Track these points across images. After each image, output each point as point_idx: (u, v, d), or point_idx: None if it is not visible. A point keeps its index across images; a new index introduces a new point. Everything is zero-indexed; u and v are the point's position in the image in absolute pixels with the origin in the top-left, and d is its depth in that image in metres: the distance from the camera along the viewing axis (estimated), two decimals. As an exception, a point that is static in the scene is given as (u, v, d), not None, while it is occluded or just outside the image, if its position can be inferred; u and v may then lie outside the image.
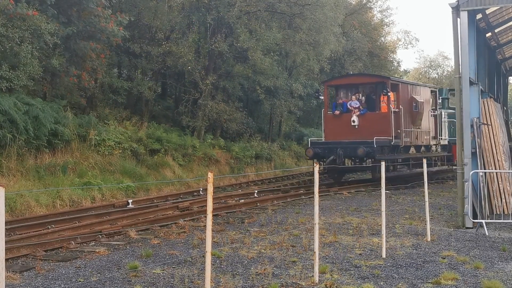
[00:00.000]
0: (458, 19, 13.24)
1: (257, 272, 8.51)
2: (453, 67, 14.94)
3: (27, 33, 17.16)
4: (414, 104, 23.30)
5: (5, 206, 4.93)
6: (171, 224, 12.78)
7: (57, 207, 15.13)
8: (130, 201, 16.00)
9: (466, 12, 13.20)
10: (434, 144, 25.82)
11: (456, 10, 13.26)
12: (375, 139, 20.52)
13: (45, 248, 10.04)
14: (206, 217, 6.71)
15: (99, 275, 8.43)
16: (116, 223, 12.61)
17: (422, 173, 22.51)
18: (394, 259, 9.50)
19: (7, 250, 8.51)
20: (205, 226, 6.97)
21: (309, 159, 22.82)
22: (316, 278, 8.01)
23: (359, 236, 11.63)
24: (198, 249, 10.13)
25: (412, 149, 23.98)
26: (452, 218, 14.19)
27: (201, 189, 19.23)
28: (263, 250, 10.10)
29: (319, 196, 8.36)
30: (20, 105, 16.88)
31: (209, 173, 6.71)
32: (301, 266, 8.96)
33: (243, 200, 16.59)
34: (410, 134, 23.11)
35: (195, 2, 27.18)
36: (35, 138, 17.06)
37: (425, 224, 11.63)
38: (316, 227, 8.22)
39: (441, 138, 26.52)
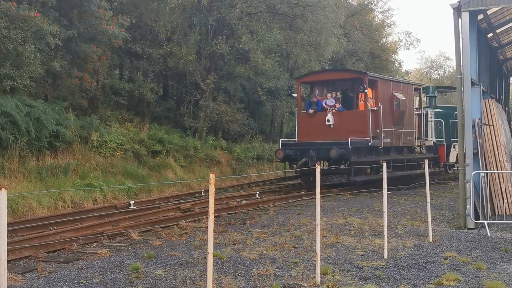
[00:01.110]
0: (460, 20, 13.24)
1: (259, 273, 8.51)
2: (455, 67, 14.93)
3: (29, 33, 17.19)
4: (395, 102, 21.83)
5: (7, 208, 4.94)
6: (173, 225, 12.79)
7: (59, 209, 15.14)
8: (132, 202, 16.02)
9: (468, 12, 13.19)
10: (418, 145, 24.27)
11: (457, 10, 13.26)
12: (350, 139, 19.15)
13: (47, 250, 10.05)
14: (208, 218, 6.71)
15: (101, 276, 8.43)
16: (118, 224, 12.62)
17: (404, 176, 22.57)
18: (396, 260, 9.50)
19: (9, 251, 8.51)
20: (207, 227, 6.97)
21: (279, 161, 21.60)
22: (318, 279, 8.01)
23: (361, 237, 11.62)
24: (200, 250, 10.13)
25: (394, 151, 22.36)
26: (454, 219, 14.18)
27: (203, 190, 19.24)
28: (265, 251, 10.10)
29: (321, 197, 8.35)
30: (22, 107, 16.90)
31: (211, 175, 6.72)
32: (303, 267, 8.96)
33: (244, 201, 16.60)
34: (391, 134, 21.58)
35: (196, 4, 27.21)
36: (36, 139, 17.09)
37: (427, 225, 11.62)
38: (318, 228, 8.22)
39: (426, 139, 25.06)
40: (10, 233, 10.94)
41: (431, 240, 11.24)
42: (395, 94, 21.91)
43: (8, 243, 5.72)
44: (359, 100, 20.73)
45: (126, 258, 9.61)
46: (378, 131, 20.51)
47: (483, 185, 13.63)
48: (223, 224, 13.13)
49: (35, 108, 17.43)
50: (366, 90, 20.05)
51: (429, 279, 8.26)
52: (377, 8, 44.48)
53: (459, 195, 13.61)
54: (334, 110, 20.71)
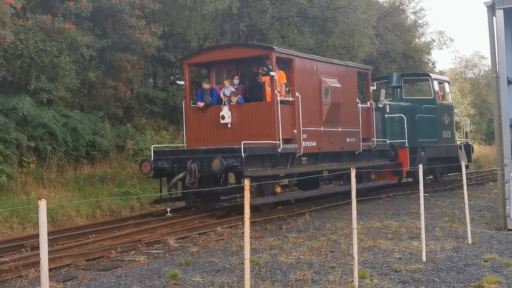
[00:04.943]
0: (494, 18, 13.06)
1: (296, 278, 8.50)
2: (490, 66, 14.72)
3: (64, 45, 17.51)
4: (324, 91, 16.21)
5: (47, 217, 5.04)
6: (209, 231, 12.85)
7: (97, 217, 15.36)
8: (168, 209, 16.09)
9: (502, 10, 12.99)
10: (366, 150, 18.42)
11: (491, 8, 13.08)
12: (244, 144, 13.75)
13: (87, 258, 10.19)
14: (244, 224, 6.74)
15: (139, 283, 8.52)
16: (155, 231, 12.73)
17: (340, 193, 17.32)
18: (434, 263, 9.39)
19: (50, 260, 8.66)
20: (243, 233, 7.00)
21: (147, 177, 15.72)
22: (356, 283, 7.97)
23: (398, 240, 11.52)
24: (236, 256, 10.16)
25: (326, 159, 16.78)
26: (493, 220, 13.96)
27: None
28: (301, 256, 10.08)
29: (357, 200, 8.32)
30: (58, 118, 17.22)
31: (246, 181, 6.75)
32: (340, 271, 8.92)
33: (280, 206, 16.57)
34: (319, 136, 16.09)
35: (227, 11, 27.35)
36: (74, 149, 17.38)
37: (466, 227, 11.47)
38: (355, 232, 8.18)
39: (377, 140, 19.04)
40: (51, 242, 11.13)
41: (470, 242, 11.09)
42: (325, 79, 16.33)
43: (49, 252, 5.83)
44: (267, 87, 15.06)
45: (164, 265, 9.69)
46: (295, 131, 15.18)
47: (523, 185, 13.38)
48: (259, 230, 13.15)
49: (72, 118, 17.73)
50: (272, 73, 14.39)
51: (469, 282, 8.15)
52: (408, 8, 44.04)
53: (498, 195, 13.40)
54: (231, 103, 15.24)
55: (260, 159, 14.50)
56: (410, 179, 22.54)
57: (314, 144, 15.92)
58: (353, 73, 18.14)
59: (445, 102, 23.70)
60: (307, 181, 16.18)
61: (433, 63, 48.72)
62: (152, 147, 15.65)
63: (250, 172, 13.85)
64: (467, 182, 12.77)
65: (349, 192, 17.08)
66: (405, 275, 8.60)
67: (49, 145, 16.43)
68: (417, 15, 45.05)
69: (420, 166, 10.09)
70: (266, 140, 14.57)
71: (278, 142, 14.58)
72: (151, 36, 20.54)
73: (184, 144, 16.21)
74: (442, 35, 47.25)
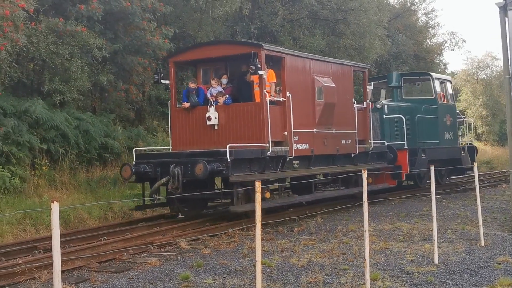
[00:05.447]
0: (506, 19, 13.00)
1: (308, 281, 8.50)
2: (502, 67, 14.65)
3: (76, 48, 17.62)
4: (317, 90, 15.45)
5: (60, 219, 5.07)
6: (220, 233, 12.86)
7: (109, 219, 15.41)
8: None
9: (514, 11, 12.96)
10: (363, 152, 17.61)
11: (503, 9, 13.02)
12: (230, 147, 12.95)
13: (99, 260, 10.24)
14: (255, 226, 6.74)
15: (151, 286, 8.55)
16: (167, 233, 12.76)
17: (336, 198, 16.86)
18: (447, 265, 9.35)
19: (63, 262, 8.70)
20: (254, 235, 7.01)
21: (129, 182, 14.82)
22: (368, 286, 7.95)
23: (410, 242, 11.48)
24: (248, 258, 10.17)
25: (319, 162, 15.91)
26: (506, 222, 13.87)
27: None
28: (313, 258, 10.07)
29: (368, 202, 8.30)
30: (71, 120, 17.32)
31: (257, 183, 6.76)
32: (352, 273, 8.91)
33: (292, 208, 16.56)
34: (311, 137, 15.35)
35: (238, 13, 27.39)
36: (86, 152, 17.47)
37: (478, 229, 11.41)
38: (366, 234, 8.16)
39: (375, 142, 18.41)
40: (63, 244, 11.18)
41: (483, 244, 11.03)
42: (318, 78, 15.59)
43: (62, 254, 5.86)
44: (256, 86, 14.25)
45: (176, 267, 9.71)
46: (285, 133, 14.46)
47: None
48: (270, 232, 13.15)
49: (84, 121, 17.83)
50: (261, 72, 13.60)
51: (482, 285, 8.11)
52: (420, 9, 43.92)
53: (510, 197, 13.32)
54: (218, 104, 14.45)
55: (248, 163, 13.66)
56: (411, 183, 21.82)
57: (307, 146, 15.16)
58: (348, 72, 17.34)
59: (446, 102, 22.65)
60: (302, 185, 15.63)
61: (445, 64, 48.56)
62: (134, 150, 14.82)
63: (236, 177, 13.10)
64: (479, 184, 12.71)
65: (345, 196, 17.24)
66: (417, 278, 8.57)
67: (61, 148, 16.52)
68: (429, 16, 44.94)
69: (432, 168, 10.06)
70: (255, 143, 13.77)
71: (267, 145, 13.75)
72: (162, 38, 20.61)
73: (169, 147, 15.40)
74: (454, 36, 47.09)
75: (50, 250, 9.51)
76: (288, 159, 14.46)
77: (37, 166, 15.79)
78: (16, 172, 14.82)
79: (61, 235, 9.56)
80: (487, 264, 9.38)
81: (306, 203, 16.82)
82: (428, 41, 44.43)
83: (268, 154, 13.70)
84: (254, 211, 13.92)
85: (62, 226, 13.52)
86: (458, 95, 51.74)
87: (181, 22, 25.49)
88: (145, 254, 10.97)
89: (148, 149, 17.20)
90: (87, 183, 16.96)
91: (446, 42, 46.63)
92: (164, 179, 13.45)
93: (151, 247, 11.35)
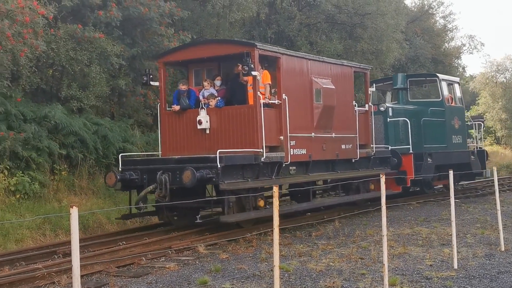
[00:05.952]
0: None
1: (326, 285, 8.48)
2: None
3: (95, 54, 17.76)
4: (315, 92, 14.64)
5: (79, 224, 5.11)
6: (238, 238, 12.86)
7: (127, 224, 15.48)
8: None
9: (533, 13, 12.80)
10: (364, 157, 16.75)
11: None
12: (220, 153, 12.10)
13: (118, 265, 10.29)
14: (273, 231, 6.74)
15: (170, 290, 8.57)
16: (185, 238, 12.79)
17: (337, 205, 16.36)
18: (466, 270, 9.28)
19: (82, 267, 8.75)
20: (272, 240, 7.00)
21: (114, 189, 14.22)
22: (386, 291, 7.92)
23: (429, 246, 11.41)
24: (266, 263, 10.17)
25: (317, 167, 15.12)
26: (526, 226, 13.74)
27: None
28: (331, 263, 10.04)
29: (387, 207, 8.26)
30: (89, 125, 17.45)
31: (274, 188, 6.76)
32: (371, 278, 8.87)
33: (309, 213, 16.52)
34: (309, 142, 14.53)
35: (255, 17, 27.44)
36: (104, 157, 17.57)
37: (498, 233, 11.31)
38: (385, 238, 8.13)
39: (377, 147, 17.54)
40: (82, 248, 11.24)
41: (503, 249, 10.93)
42: (316, 80, 14.80)
43: (81, 259, 5.90)
44: (249, 89, 13.42)
45: (194, 272, 9.73)
46: (281, 138, 13.61)
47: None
48: (288, 237, 13.13)
49: (102, 126, 17.95)
50: (254, 73, 12.74)
51: (502, 290, 8.04)
52: (438, 13, 43.71)
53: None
54: (210, 106, 13.61)
55: (241, 169, 12.80)
56: (417, 189, 20.92)
57: (304, 151, 14.30)
58: (349, 73, 16.55)
59: (454, 104, 21.69)
60: (301, 192, 15.24)
61: (463, 68, 48.29)
62: (120, 155, 13.91)
63: (227, 184, 12.23)
64: (499, 188, 12.59)
65: (345, 204, 16.65)
66: (436, 283, 8.51)
67: (80, 153, 16.64)
68: (447, 19, 44.71)
69: (451, 172, 10.00)
70: (248, 148, 12.92)
71: (261, 150, 12.89)
72: (179, 43, 20.69)
73: (159, 152, 14.54)
74: (473, 39, 46.82)
75: (69, 254, 9.56)
76: (284, 165, 13.66)
77: (57, 171, 15.92)
78: (35, 177, 14.96)
79: (80, 240, 9.63)
80: (508, 269, 9.29)
81: (323, 208, 16.72)
82: (446, 44, 44.20)
83: (262, 160, 12.90)
84: (247, 221, 13.58)
85: (81, 231, 13.62)
86: (477, 98, 51.40)
87: (198, 27, 25.59)
88: (163, 259, 11.01)
89: (136, 154, 16.51)
90: (105, 188, 17.04)
91: (464, 45, 46.38)
92: (151, 187, 12.66)
93: (169, 251, 11.39)
